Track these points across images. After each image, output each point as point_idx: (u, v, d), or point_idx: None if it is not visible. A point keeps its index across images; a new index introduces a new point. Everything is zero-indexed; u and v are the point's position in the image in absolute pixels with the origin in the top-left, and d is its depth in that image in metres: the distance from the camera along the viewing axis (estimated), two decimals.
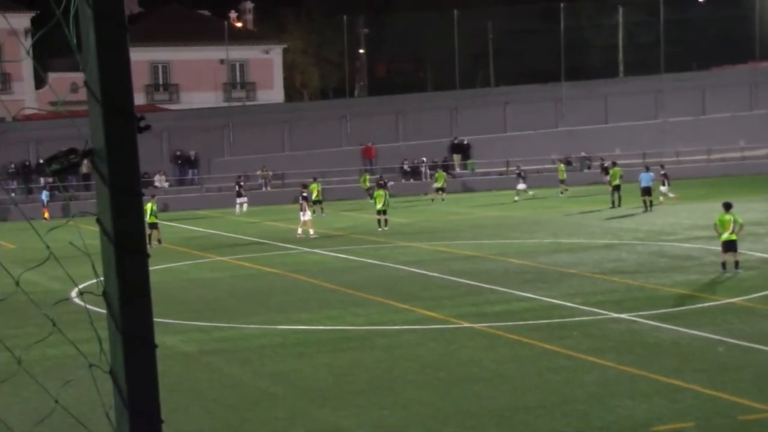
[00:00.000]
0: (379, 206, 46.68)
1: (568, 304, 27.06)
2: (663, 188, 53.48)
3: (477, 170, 72.08)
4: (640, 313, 25.46)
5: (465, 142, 74.11)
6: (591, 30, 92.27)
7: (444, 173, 65.55)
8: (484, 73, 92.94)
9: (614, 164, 55.33)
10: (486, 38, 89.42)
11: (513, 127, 76.09)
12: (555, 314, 25.79)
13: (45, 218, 58.00)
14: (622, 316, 25.29)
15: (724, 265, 30.99)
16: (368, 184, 63.60)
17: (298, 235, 44.31)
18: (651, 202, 50.49)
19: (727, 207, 31.22)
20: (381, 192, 47.35)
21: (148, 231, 42.39)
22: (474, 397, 18.40)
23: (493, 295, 28.80)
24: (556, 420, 16.92)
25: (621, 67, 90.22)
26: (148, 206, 42.14)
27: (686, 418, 16.76)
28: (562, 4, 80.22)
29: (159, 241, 42.68)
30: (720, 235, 31.02)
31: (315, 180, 58.26)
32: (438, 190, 62.83)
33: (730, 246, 30.77)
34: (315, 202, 54.42)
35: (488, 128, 75.04)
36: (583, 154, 73.62)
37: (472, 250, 38.58)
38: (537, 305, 27.15)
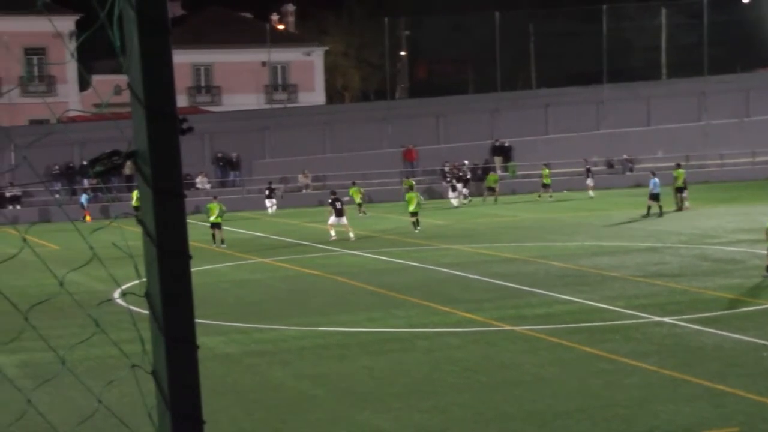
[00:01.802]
0: (411, 208, 46.89)
1: (610, 307, 26.91)
2: (683, 194, 52.89)
3: (518, 173, 71.83)
4: (683, 316, 25.28)
5: (506, 145, 73.90)
6: (633, 31, 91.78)
7: (496, 175, 66.07)
8: (525, 74, 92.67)
9: (678, 166, 55.07)
10: (527, 40, 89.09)
11: (554, 129, 75.79)
12: (597, 317, 25.65)
13: (87, 221, 58.36)
14: (665, 319, 25.12)
15: None
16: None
17: (331, 238, 44.43)
18: (660, 207, 49.72)
19: None
20: (413, 194, 47.66)
21: (211, 231, 43.32)
22: (514, 401, 18.34)
23: (534, 298, 28.69)
24: (598, 424, 16.83)
25: (663, 69, 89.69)
26: (215, 207, 43.03)
27: (730, 422, 16.62)
28: (604, 6, 79.82)
29: (222, 241, 43.12)
30: None
31: (354, 184, 58.79)
32: (492, 191, 63.43)
33: None
34: (357, 205, 55.41)
35: (529, 130, 74.79)
36: (624, 156, 73.18)
37: (513, 252, 38.46)
38: (578, 308, 27.02)
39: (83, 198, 60.95)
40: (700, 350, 21.87)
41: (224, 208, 45.04)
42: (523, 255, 37.63)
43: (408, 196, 48.25)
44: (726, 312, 25.86)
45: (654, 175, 50.86)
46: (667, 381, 19.32)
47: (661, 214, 49.00)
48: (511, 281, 31.59)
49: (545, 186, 63.76)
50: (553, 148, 72.91)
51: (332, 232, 44.82)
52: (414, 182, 55.01)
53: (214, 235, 43.70)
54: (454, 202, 61.12)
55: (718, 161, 74.92)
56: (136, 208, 53.19)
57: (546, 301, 28.26)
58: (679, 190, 52.53)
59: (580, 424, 16.89)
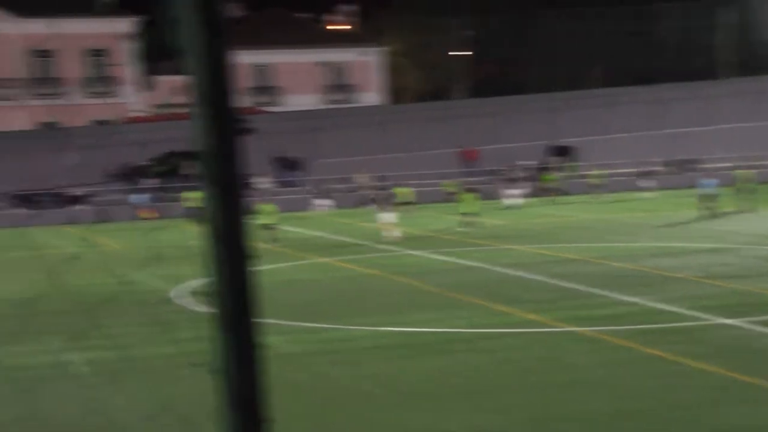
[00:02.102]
0: (466, 209, 46.89)
1: (672, 308, 26.64)
2: None
3: (578, 173, 71.39)
4: (747, 318, 24.96)
5: (566, 145, 73.53)
6: (695, 31, 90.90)
7: (553, 175, 66.04)
8: (586, 74, 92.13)
9: (740, 167, 54.56)
10: (588, 40, 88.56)
11: (614, 129, 75.28)
12: (659, 319, 25.41)
13: (144, 217, 58.89)
14: (728, 321, 24.81)
15: None
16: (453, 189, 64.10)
17: (384, 237, 44.54)
18: (713, 208, 49.24)
19: None
20: (470, 195, 47.89)
21: (266, 231, 43.66)
22: (576, 402, 18.20)
23: (596, 299, 28.49)
24: (659, 427, 16.66)
25: (725, 69, 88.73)
26: (271, 207, 43.37)
27: None
28: (666, 5, 79.15)
29: (275, 240, 43.41)
30: None
31: (401, 185, 59.64)
32: (551, 191, 63.51)
33: None
34: (406, 204, 56.06)
35: (589, 130, 74.36)
36: (685, 156, 72.53)
37: (575, 253, 38.23)
38: (640, 309, 26.78)
39: (136, 198, 61.26)
40: (763, 352, 21.57)
41: (276, 208, 45.19)
42: (583, 255, 37.40)
43: (465, 196, 48.38)
44: None
45: (708, 176, 50.56)
46: (730, 383, 19.08)
47: (714, 215, 48.31)
48: (571, 282, 31.39)
49: (594, 186, 63.79)
50: (613, 148, 72.45)
51: (387, 231, 44.78)
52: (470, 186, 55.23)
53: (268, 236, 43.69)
54: (507, 202, 60.89)
55: None
56: (192, 209, 53.71)
57: (607, 302, 28.04)
58: (744, 191, 51.88)
59: (640, 426, 16.73)
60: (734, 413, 17.14)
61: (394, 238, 43.91)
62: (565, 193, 66.78)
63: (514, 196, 62.10)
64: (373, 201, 45.72)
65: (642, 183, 64.28)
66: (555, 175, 66.27)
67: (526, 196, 63.28)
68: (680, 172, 72.08)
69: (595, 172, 64.99)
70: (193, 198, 55.12)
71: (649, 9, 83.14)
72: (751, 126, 75.84)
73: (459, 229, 46.46)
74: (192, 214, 54.41)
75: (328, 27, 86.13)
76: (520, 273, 33.74)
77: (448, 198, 64.22)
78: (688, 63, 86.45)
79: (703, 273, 32.27)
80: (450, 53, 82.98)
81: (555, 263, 35.80)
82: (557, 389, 19.18)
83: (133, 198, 61.65)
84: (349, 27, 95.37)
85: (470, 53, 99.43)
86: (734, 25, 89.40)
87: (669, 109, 75.56)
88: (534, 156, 71.92)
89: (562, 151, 73.39)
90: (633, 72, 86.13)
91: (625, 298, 28.43)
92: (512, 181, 63.96)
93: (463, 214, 47.26)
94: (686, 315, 25.73)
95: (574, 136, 73.34)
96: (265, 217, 43.68)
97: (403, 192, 57.98)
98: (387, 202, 45.95)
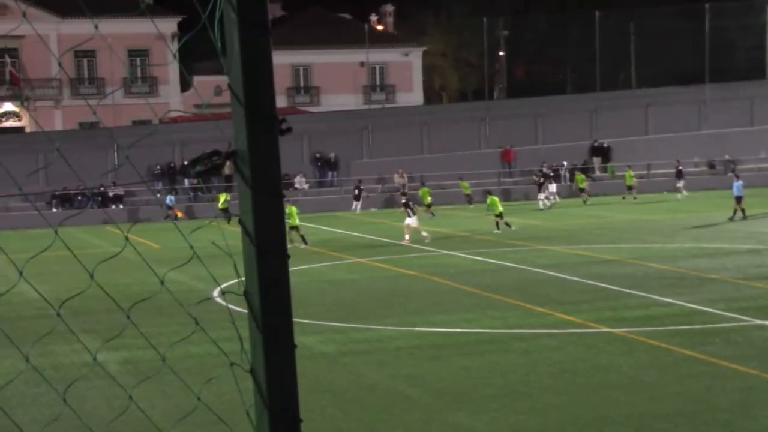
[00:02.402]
0: (498, 210, 47.34)
1: (710, 309, 26.51)
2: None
3: (617, 173, 71.02)
4: None
5: (605, 145, 73.22)
6: (736, 30, 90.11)
7: (583, 175, 65.72)
8: (625, 74, 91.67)
9: None
10: (628, 39, 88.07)
11: (655, 129, 74.89)
12: (696, 320, 25.29)
13: (179, 216, 59.30)
14: (766, 323, 24.67)
15: None
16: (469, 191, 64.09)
17: (405, 241, 44.20)
18: (743, 210, 48.74)
19: None
20: (495, 197, 48.81)
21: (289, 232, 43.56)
22: (612, 404, 18.17)
23: (633, 300, 28.38)
24: (698, 428, 16.60)
25: (767, 69, 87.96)
26: (293, 209, 43.21)
27: None
28: (707, 4, 78.63)
29: (291, 241, 43.08)
30: None
31: (423, 185, 59.86)
32: (581, 191, 63.28)
33: None
34: (426, 206, 56.15)
35: (629, 131, 74.00)
36: (727, 157, 72.01)
37: (611, 253, 38.10)
38: (677, 310, 26.66)
39: (168, 199, 61.46)
40: None
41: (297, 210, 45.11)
42: (620, 256, 37.26)
43: (492, 199, 48.64)
44: None
45: (738, 177, 50.19)
46: (766, 385, 18.99)
47: (744, 217, 48.08)
48: (608, 283, 31.29)
49: (629, 188, 63.65)
50: (653, 149, 72.07)
51: (424, 233, 44.64)
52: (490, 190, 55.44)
53: (302, 237, 43.21)
54: (540, 204, 60.60)
55: None
56: (224, 210, 53.90)
57: (644, 303, 27.93)
58: None
59: (679, 427, 16.67)
60: None
61: (423, 238, 43.76)
62: (595, 194, 66.55)
63: (547, 197, 61.95)
64: (408, 203, 45.41)
65: (678, 185, 63.83)
66: (582, 175, 65.88)
67: (556, 196, 62.90)
68: (722, 173, 71.58)
69: (630, 172, 64.69)
70: (224, 199, 55.42)
71: (691, 8, 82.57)
72: None
73: (495, 231, 46.43)
74: (223, 215, 54.71)
75: (369, 27, 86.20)
76: (556, 273, 33.66)
77: (468, 199, 64.00)
78: (730, 62, 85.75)
79: (741, 274, 32.07)
80: (488, 54, 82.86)
81: (592, 264, 35.69)
82: (593, 390, 19.15)
83: (168, 199, 61.90)
84: (388, 28, 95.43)
85: (509, 53, 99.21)
86: None
87: (711, 109, 75.08)
88: (573, 156, 71.69)
89: (603, 152, 73.08)
90: (674, 72, 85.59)
91: (662, 299, 28.31)
92: (543, 183, 63.73)
93: (498, 215, 47.14)
94: (724, 316, 25.60)
95: (614, 137, 73.01)
96: (290, 219, 42.98)
97: (423, 192, 58.03)
98: (407, 206, 45.67)
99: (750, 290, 29.36)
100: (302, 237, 43.18)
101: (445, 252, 40.71)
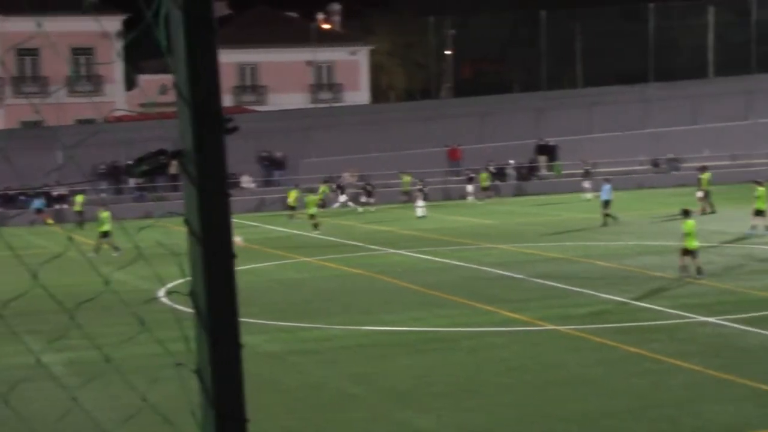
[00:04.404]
0: (310, 211, 49.41)
1: (655, 307, 26.75)
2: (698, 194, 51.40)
3: (563, 171, 71.43)
4: (729, 316, 25.08)
5: (551, 144, 73.64)
6: (680, 30, 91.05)
7: (487, 173, 65.96)
8: (570, 74, 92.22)
9: (704, 169, 53.81)
10: (573, 39, 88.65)
11: (600, 128, 75.44)
12: (641, 317, 25.51)
13: (48, 222, 58.58)
14: (710, 319, 24.93)
15: None
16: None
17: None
18: (610, 215, 47.10)
19: None
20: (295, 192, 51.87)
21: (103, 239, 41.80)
22: (559, 401, 18.27)
23: (579, 298, 28.57)
24: (643, 424, 16.74)
25: (710, 68, 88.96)
26: (106, 214, 40.97)
27: None
28: (650, 4, 79.34)
29: (96, 250, 40.07)
30: None
31: (325, 182, 60.56)
32: (483, 189, 64.66)
33: None
34: (291, 208, 56.52)
35: (575, 130, 74.49)
36: (670, 155, 72.70)
37: (557, 252, 38.32)
38: (623, 308, 26.88)
39: (38, 203, 60.67)
40: (745, 351, 21.69)
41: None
42: (566, 254, 37.49)
43: (308, 198, 50.51)
44: None
45: (608, 181, 48.55)
46: (713, 381, 19.19)
47: (615, 220, 46.96)
48: (555, 281, 31.47)
49: (485, 189, 64.96)
50: (598, 148, 72.56)
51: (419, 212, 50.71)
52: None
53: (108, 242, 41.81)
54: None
55: (765, 160, 74.14)
56: (78, 213, 53.32)
57: (590, 300, 28.13)
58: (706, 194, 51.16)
59: (625, 424, 16.81)
60: (716, 411, 17.23)
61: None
62: (542, 192, 66.91)
63: (470, 195, 63.18)
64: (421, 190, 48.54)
65: (584, 185, 63.30)
66: (486, 174, 66.00)
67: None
68: (666, 171, 72.25)
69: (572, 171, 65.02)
70: (79, 202, 55.13)
71: (635, 8, 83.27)
72: (737, 125, 76.02)
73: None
74: (77, 219, 54.40)
75: (316, 26, 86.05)
76: (503, 272, 33.80)
77: (437, 197, 64.19)
78: (674, 62, 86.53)
79: (685, 272, 32.34)
80: (435, 53, 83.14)
81: (539, 262, 35.87)
82: (540, 388, 19.25)
83: (37, 203, 60.71)
84: (335, 27, 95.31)
85: (456, 53, 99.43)
86: (722, 23, 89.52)
87: (655, 108, 75.71)
88: (519, 155, 72.00)
89: (548, 151, 73.48)
90: (619, 71, 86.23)
91: (608, 296, 28.53)
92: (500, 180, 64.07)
93: (310, 215, 49.10)
94: (669, 313, 25.85)
95: (559, 136, 73.43)
96: (102, 225, 40.88)
97: (292, 195, 57.33)
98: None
99: (694, 287, 29.66)
100: (101, 244, 40.63)
101: (393, 251, 40.75)
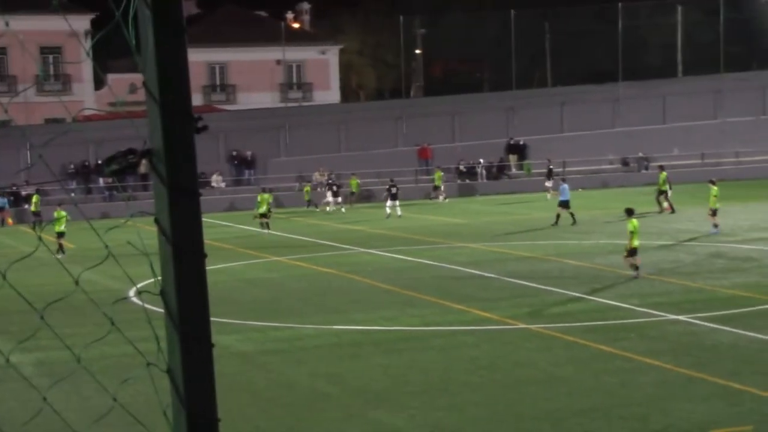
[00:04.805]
0: (261, 210, 49.36)
1: (625, 305, 26.87)
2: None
3: (533, 171, 71.61)
4: (698, 314, 25.23)
5: (521, 143, 73.84)
6: (649, 29, 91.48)
7: (441, 173, 65.83)
8: (540, 73, 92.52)
9: (662, 168, 53.92)
10: (543, 38, 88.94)
11: (570, 127, 75.73)
12: (611, 316, 25.62)
13: (8, 224, 58.38)
14: (680, 317, 25.07)
15: None
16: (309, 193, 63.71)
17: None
18: (572, 214, 46.84)
19: None
20: (266, 196, 50.31)
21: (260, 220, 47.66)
22: (530, 399, 18.33)
23: (549, 297, 28.66)
24: (613, 422, 16.81)
25: (679, 67, 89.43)
26: (62, 214, 42.16)
27: (745, 421, 16.58)
28: (619, 4, 79.70)
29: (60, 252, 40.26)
30: None
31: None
32: (435, 188, 64.66)
33: None
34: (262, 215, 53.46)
35: (545, 129, 74.73)
36: (640, 154, 73.04)
37: (528, 250, 38.42)
38: (593, 306, 26.99)
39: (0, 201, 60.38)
40: (715, 348, 21.82)
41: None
42: (537, 253, 37.59)
43: (260, 197, 50.02)
44: (741, 310, 25.79)
45: (564, 181, 48.73)
46: (682, 379, 19.29)
47: (574, 222, 46.65)
48: (525, 279, 31.56)
49: (437, 188, 65.04)
50: (568, 147, 72.83)
51: (388, 211, 52.05)
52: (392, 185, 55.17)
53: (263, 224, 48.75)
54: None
55: (734, 159, 74.69)
56: (35, 214, 53.34)
57: (561, 299, 28.23)
58: (662, 193, 51.28)
59: (595, 422, 16.87)
60: (685, 409, 17.32)
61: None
62: (511, 192, 67.09)
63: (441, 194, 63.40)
64: (391, 188, 52.87)
65: (547, 184, 63.22)
66: (440, 173, 65.94)
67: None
68: (636, 170, 72.58)
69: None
70: (35, 202, 55.01)
71: (604, 7, 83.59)
72: (706, 124, 76.46)
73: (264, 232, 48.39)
74: (33, 219, 54.20)
75: (285, 25, 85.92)
76: (474, 271, 33.87)
77: (407, 196, 64.20)
78: (643, 61, 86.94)
79: (655, 270, 32.53)
80: (405, 52, 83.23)
81: (510, 261, 35.96)
82: (511, 386, 19.30)
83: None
84: (305, 26, 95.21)
85: (426, 52, 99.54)
86: (691, 23, 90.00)
87: (624, 107, 76.06)
88: (489, 154, 72.15)
89: (519, 150, 73.68)
90: (589, 70, 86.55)
91: (578, 295, 28.64)
92: (471, 179, 63.97)
93: (261, 215, 49.30)
94: (639, 312, 25.97)
95: (530, 135, 73.65)
96: (58, 224, 41.05)
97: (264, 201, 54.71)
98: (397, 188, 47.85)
99: (663, 285, 29.81)
100: (60, 245, 40.48)
101: (363, 250, 40.76)
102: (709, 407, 17.39)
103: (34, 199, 55.62)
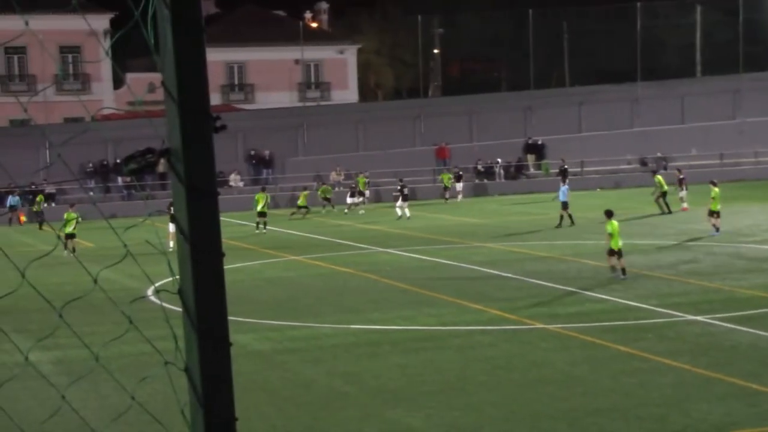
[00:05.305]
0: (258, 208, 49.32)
1: (643, 305, 26.79)
2: (681, 193, 51.31)
3: (551, 171, 71.44)
4: (717, 315, 25.14)
5: (539, 143, 73.70)
6: (667, 29, 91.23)
7: (449, 174, 65.45)
8: (558, 72, 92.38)
9: (654, 173, 53.64)
10: (561, 38, 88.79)
11: (588, 127, 75.54)
12: (630, 316, 25.55)
13: (22, 221, 58.48)
14: (698, 318, 24.99)
15: None
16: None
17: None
18: (570, 216, 46.70)
19: None
20: (261, 195, 50.08)
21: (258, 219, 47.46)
22: (547, 399, 18.29)
23: (567, 297, 28.61)
24: (631, 423, 16.77)
25: (698, 67, 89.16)
26: (72, 215, 41.19)
27: (764, 422, 16.52)
28: (638, 3, 79.47)
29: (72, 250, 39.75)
30: None
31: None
32: (445, 189, 64.66)
33: None
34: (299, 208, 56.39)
35: (562, 128, 74.56)
36: (658, 154, 72.81)
37: (546, 250, 38.35)
38: (611, 307, 26.92)
39: (12, 200, 60.39)
40: (733, 349, 21.74)
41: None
42: (555, 253, 37.52)
43: (257, 196, 49.97)
44: (760, 311, 25.69)
45: (564, 183, 48.47)
46: (701, 380, 19.23)
47: (572, 223, 46.47)
48: (543, 279, 31.51)
49: (447, 189, 64.76)
50: (586, 146, 72.66)
51: (399, 212, 51.81)
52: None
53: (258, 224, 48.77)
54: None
55: (753, 159, 74.37)
56: (37, 213, 53.63)
57: (579, 299, 28.17)
58: (663, 195, 50.99)
59: (613, 422, 16.83)
60: (704, 410, 17.26)
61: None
62: (529, 191, 66.88)
63: (459, 193, 63.36)
64: (402, 189, 52.79)
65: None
66: (448, 175, 65.73)
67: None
68: (654, 170, 72.31)
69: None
70: (38, 202, 54.88)
71: (623, 7, 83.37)
72: (724, 124, 76.17)
73: (258, 231, 48.46)
74: (37, 219, 54.27)
75: (304, 25, 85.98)
76: (492, 271, 33.83)
77: (425, 195, 64.27)
78: (662, 61, 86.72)
79: (673, 270, 32.45)
80: (423, 52, 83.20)
81: (527, 261, 35.90)
82: (528, 386, 19.27)
83: (12, 200, 60.18)
84: (323, 25, 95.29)
85: (443, 51, 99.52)
86: (710, 22, 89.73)
87: (643, 107, 75.83)
88: (507, 154, 72.06)
89: (536, 149, 73.54)
90: (607, 70, 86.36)
91: (596, 295, 28.57)
92: (489, 178, 63.77)
93: (259, 214, 49.12)
94: (657, 312, 25.90)
95: (548, 134, 73.49)
96: (67, 226, 40.47)
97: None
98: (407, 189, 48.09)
99: (682, 286, 29.72)
100: (68, 245, 40.16)
101: (381, 249, 40.75)
102: (727, 408, 17.33)
103: (38, 198, 55.65)
